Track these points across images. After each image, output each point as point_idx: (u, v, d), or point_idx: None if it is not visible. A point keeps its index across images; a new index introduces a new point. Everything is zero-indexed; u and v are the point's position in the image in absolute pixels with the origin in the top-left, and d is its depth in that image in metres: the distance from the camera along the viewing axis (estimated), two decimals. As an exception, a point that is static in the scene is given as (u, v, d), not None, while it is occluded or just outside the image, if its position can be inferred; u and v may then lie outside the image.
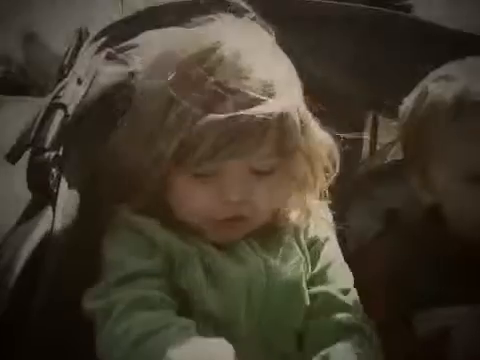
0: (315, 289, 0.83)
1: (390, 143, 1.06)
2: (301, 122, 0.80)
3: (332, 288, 0.82)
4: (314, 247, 0.86)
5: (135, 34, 1.00)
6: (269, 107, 0.75)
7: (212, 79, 0.75)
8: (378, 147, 1.16)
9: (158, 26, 1.00)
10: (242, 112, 0.74)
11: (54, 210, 0.82)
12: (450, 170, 0.87)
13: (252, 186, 0.79)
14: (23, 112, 0.95)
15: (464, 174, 0.85)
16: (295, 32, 1.03)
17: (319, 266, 0.84)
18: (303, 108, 0.82)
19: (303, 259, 0.84)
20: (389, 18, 1.14)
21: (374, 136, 1.16)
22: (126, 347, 0.69)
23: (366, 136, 1.14)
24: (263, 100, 0.75)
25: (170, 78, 0.77)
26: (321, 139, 0.84)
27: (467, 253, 0.82)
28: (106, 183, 0.82)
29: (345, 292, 0.83)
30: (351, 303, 0.82)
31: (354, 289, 0.84)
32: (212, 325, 0.77)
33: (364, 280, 0.82)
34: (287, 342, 0.81)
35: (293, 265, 0.82)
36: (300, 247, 0.85)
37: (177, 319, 0.73)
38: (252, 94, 0.75)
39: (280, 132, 0.77)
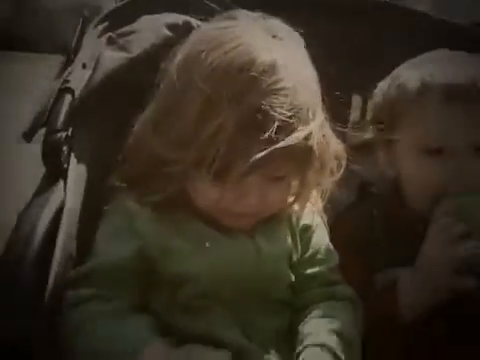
0: (310, 270, 0.90)
1: (366, 122, 1.16)
2: (323, 136, 0.84)
3: (324, 268, 0.90)
4: (307, 234, 0.92)
5: (133, 19, 1.05)
6: (298, 134, 0.78)
7: (248, 99, 0.76)
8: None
9: (156, 12, 1.06)
10: (273, 147, 0.76)
11: (66, 183, 0.91)
12: (410, 144, 0.97)
13: (266, 190, 0.83)
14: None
15: (420, 148, 0.96)
16: (283, 17, 1.09)
17: (311, 250, 0.91)
18: (322, 119, 0.86)
19: (292, 243, 0.89)
20: (377, 4, 1.19)
21: (363, 116, 1.23)
22: (67, 339, 0.77)
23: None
24: (293, 126, 0.78)
25: (208, 84, 0.78)
26: (334, 147, 0.89)
27: (421, 227, 0.94)
28: (122, 167, 0.87)
29: (334, 270, 0.91)
30: (340, 278, 0.91)
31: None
32: (196, 291, 0.82)
33: (336, 246, 0.93)
34: (270, 309, 0.86)
35: (282, 247, 0.88)
36: (291, 232, 0.91)
37: (104, 308, 0.78)
38: (285, 119, 0.77)
39: (303, 151, 0.81)
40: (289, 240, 0.90)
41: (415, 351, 0.89)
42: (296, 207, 0.92)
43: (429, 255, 0.90)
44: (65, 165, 0.93)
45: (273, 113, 0.77)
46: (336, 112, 1.08)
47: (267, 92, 0.78)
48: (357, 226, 1.00)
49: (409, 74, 0.98)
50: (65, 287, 0.81)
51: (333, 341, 0.82)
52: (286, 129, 0.78)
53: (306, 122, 0.81)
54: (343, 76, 1.14)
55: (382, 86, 1.03)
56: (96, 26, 1.06)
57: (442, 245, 0.89)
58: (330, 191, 0.94)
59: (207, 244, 0.83)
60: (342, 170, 0.91)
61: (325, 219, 0.97)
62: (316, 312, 0.87)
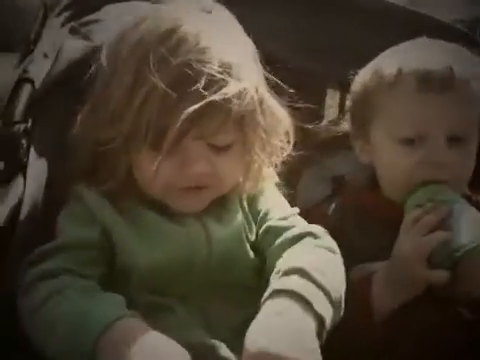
0: (260, 231, 0.87)
1: (340, 114, 1.14)
2: (259, 100, 0.84)
3: (270, 222, 0.88)
4: (256, 204, 0.90)
5: (97, 8, 1.03)
6: (230, 89, 0.78)
7: (175, 60, 0.77)
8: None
9: (118, 1, 1.04)
10: (205, 101, 0.76)
11: (25, 178, 0.88)
12: (384, 132, 0.96)
13: (212, 160, 0.82)
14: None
15: (394, 136, 0.95)
16: (255, 10, 1.06)
17: (261, 214, 0.89)
18: (262, 86, 0.86)
19: (243, 218, 0.88)
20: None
21: (342, 108, 1.22)
22: (29, 316, 0.74)
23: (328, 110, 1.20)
24: (224, 81, 0.78)
25: (135, 56, 0.80)
26: (279, 116, 0.88)
27: (395, 217, 0.92)
28: (73, 159, 0.86)
29: (284, 218, 0.88)
30: (293, 223, 0.87)
31: (297, 215, 0.90)
32: (149, 284, 0.80)
33: None
34: (236, 290, 0.84)
35: (233, 226, 0.85)
36: (241, 206, 0.89)
37: (73, 282, 0.76)
38: (213, 75, 0.77)
39: (240, 110, 0.80)
40: (241, 219, 0.87)
41: (387, 345, 0.87)
42: (248, 186, 0.90)
43: (401, 248, 0.89)
44: (24, 159, 0.89)
45: (202, 68, 0.77)
46: (309, 106, 1.07)
47: (194, 50, 0.79)
48: (330, 219, 0.98)
49: (386, 61, 0.98)
50: (28, 265, 0.79)
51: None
52: (217, 85, 0.78)
53: (238, 79, 0.80)
54: (318, 70, 1.14)
55: (360, 75, 1.02)
56: (58, 15, 1.03)
57: (413, 237, 0.87)
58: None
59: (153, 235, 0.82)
60: (291, 145, 0.90)
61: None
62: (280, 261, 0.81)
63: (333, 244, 0.85)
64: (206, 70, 0.77)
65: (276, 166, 0.93)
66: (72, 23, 1.01)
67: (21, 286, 0.77)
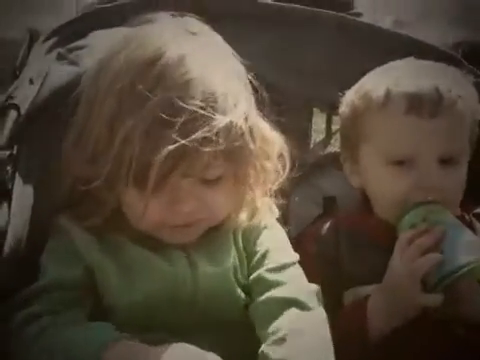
0: (251, 277, 0.84)
1: (327, 136, 1.14)
2: (250, 128, 0.80)
3: (261, 270, 0.84)
4: (251, 240, 0.87)
5: (84, 35, 1.03)
6: (214, 124, 0.75)
7: (155, 98, 0.74)
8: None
9: (106, 27, 1.03)
10: (188, 140, 0.73)
11: (9, 206, 0.86)
12: (374, 155, 0.95)
13: (203, 195, 0.80)
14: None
15: (385, 158, 0.94)
16: (249, 32, 1.08)
17: (257, 256, 0.86)
18: (252, 111, 0.83)
19: (236, 258, 0.84)
20: (335, 20, 1.17)
21: (329, 129, 1.22)
22: (22, 356, 0.73)
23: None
24: (208, 117, 0.75)
25: (113, 91, 0.77)
26: (271, 141, 0.85)
27: (389, 238, 0.91)
28: (57, 191, 0.83)
29: (276, 270, 0.84)
30: (282, 278, 0.83)
31: (293, 265, 0.86)
32: (134, 322, 0.77)
33: (300, 260, 0.88)
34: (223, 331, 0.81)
35: (223, 266, 0.83)
36: (235, 245, 0.86)
37: (61, 317, 0.75)
38: (197, 111, 0.74)
39: (228, 144, 0.77)
40: (233, 258, 0.84)
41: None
42: (241, 218, 0.86)
43: (395, 270, 0.88)
44: (9, 186, 0.87)
45: (184, 105, 0.74)
46: (297, 127, 1.07)
47: (175, 85, 0.75)
48: (323, 242, 0.97)
49: (374, 82, 0.97)
50: (14, 309, 0.77)
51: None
52: (201, 120, 0.75)
53: (224, 111, 0.77)
54: (304, 91, 1.14)
55: (348, 96, 1.01)
56: (44, 42, 1.03)
57: (407, 259, 0.86)
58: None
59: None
60: (287, 169, 0.88)
61: (288, 234, 0.93)
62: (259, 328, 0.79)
63: (318, 312, 0.81)
64: (188, 107, 0.74)
65: (270, 191, 0.89)
66: (59, 49, 1.01)
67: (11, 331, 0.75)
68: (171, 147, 0.72)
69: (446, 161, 0.93)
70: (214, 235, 0.85)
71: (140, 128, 0.74)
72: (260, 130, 0.84)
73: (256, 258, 0.86)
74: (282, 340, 0.76)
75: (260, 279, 0.84)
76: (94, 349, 0.69)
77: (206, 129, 0.74)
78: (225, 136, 0.76)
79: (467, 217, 0.97)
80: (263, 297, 0.82)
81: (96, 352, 0.68)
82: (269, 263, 0.85)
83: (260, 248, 0.86)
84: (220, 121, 0.75)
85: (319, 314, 0.81)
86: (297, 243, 0.95)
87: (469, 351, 0.86)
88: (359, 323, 0.86)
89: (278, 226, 0.92)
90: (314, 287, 0.84)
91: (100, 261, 0.80)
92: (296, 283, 0.84)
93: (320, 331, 0.79)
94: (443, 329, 0.87)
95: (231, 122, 0.77)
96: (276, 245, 0.88)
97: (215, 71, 0.79)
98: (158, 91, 0.75)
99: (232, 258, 0.84)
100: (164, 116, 0.73)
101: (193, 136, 0.73)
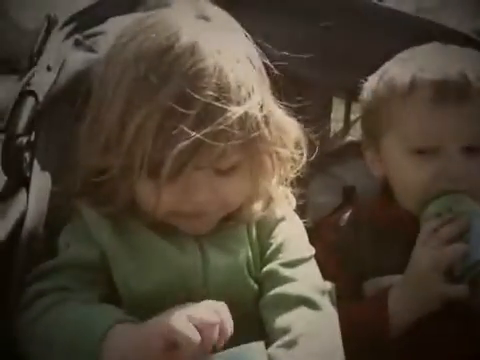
0: (263, 270, 0.82)
1: (352, 122, 1.12)
2: (264, 116, 0.78)
3: (275, 264, 0.82)
4: (266, 231, 0.85)
5: (102, 21, 1.02)
6: (229, 116, 0.73)
7: (168, 88, 0.72)
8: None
9: (123, 12, 1.01)
10: (202, 133, 0.71)
11: (28, 192, 0.85)
12: (398, 143, 0.93)
13: (217, 185, 0.78)
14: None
15: (409, 147, 0.92)
16: (267, 19, 1.06)
17: (271, 248, 0.84)
18: (267, 99, 0.80)
19: (249, 249, 0.82)
20: (355, 4, 1.15)
21: (347, 117, 1.20)
22: (26, 332, 0.73)
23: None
24: (223, 108, 0.73)
25: (126, 81, 0.75)
26: (287, 128, 0.83)
27: (411, 228, 0.89)
28: (74, 177, 0.83)
29: (289, 265, 0.82)
30: (295, 275, 0.81)
31: (307, 261, 0.83)
32: (145, 308, 0.74)
33: (319, 250, 0.87)
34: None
35: (235, 257, 0.81)
36: (249, 235, 0.84)
37: (72, 295, 0.74)
38: (211, 103, 0.72)
39: (242, 131, 0.75)
40: (246, 249, 0.82)
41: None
42: (256, 208, 0.84)
43: (418, 261, 0.86)
44: (27, 173, 0.87)
45: (197, 96, 0.72)
46: (316, 115, 1.05)
47: (189, 75, 0.73)
48: (343, 232, 0.95)
49: (399, 69, 0.94)
50: (28, 283, 0.77)
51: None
52: (214, 112, 0.73)
53: (238, 102, 0.75)
54: (323, 79, 1.12)
55: (371, 82, 0.98)
56: (61, 28, 1.02)
57: (431, 250, 0.84)
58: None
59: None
60: (304, 157, 0.85)
61: (307, 224, 0.91)
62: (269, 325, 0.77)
63: (330, 314, 0.79)
64: (202, 98, 0.72)
65: (287, 180, 0.87)
66: (76, 35, 1.00)
67: (20, 306, 0.76)
68: (185, 143, 0.71)
69: (471, 150, 0.90)
70: (228, 225, 0.83)
71: (152, 120, 0.72)
72: (275, 117, 0.82)
73: (270, 250, 0.84)
74: (294, 342, 0.74)
75: (273, 273, 0.82)
76: (96, 334, 0.68)
77: (220, 121, 0.73)
78: (240, 127, 0.74)
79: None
80: (274, 292, 0.80)
81: (97, 339, 0.67)
82: (283, 257, 0.83)
83: (275, 240, 0.84)
84: (234, 112, 0.74)
85: (331, 316, 0.79)
86: (316, 233, 0.93)
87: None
88: (380, 315, 0.85)
89: (295, 218, 0.89)
90: (328, 285, 0.82)
91: (113, 246, 0.79)
92: (309, 280, 0.82)
93: (331, 335, 0.77)
94: (466, 322, 0.86)
95: (246, 113, 0.75)
96: (292, 238, 0.86)
97: (229, 58, 0.77)
98: (171, 81, 0.73)
99: (245, 249, 0.82)
100: (177, 108, 0.72)
101: (207, 129, 0.72)
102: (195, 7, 0.81)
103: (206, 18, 0.80)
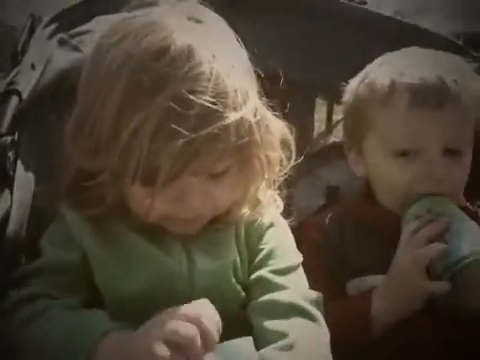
0: (253, 275, 0.82)
1: (334, 123, 1.13)
2: (257, 121, 0.77)
3: (265, 271, 0.81)
4: (255, 237, 0.85)
5: (87, 20, 1.01)
6: (226, 121, 0.72)
7: (165, 92, 0.71)
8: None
9: (108, 12, 1.00)
10: (199, 134, 0.70)
11: (11, 193, 0.85)
12: (379, 145, 0.95)
13: (209, 189, 0.78)
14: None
15: (389, 149, 0.93)
16: (253, 21, 1.06)
17: (261, 254, 0.83)
18: (258, 104, 0.80)
19: (237, 254, 0.82)
20: (337, 6, 1.17)
21: (329, 118, 1.21)
22: (12, 339, 0.71)
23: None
24: (219, 113, 0.72)
25: (120, 83, 0.72)
26: (275, 130, 0.83)
27: (393, 227, 0.91)
28: (58, 178, 0.81)
29: (280, 272, 0.81)
30: (286, 282, 0.81)
31: (296, 269, 0.83)
32: (129, 313, 0.74)
33: (303, 251, 0.87)
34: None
35: (222, 261, 0.80)
36: (237, 240, 0.84)
37: (55, 302, 0.73)
38: (208, 107, 0.71)
39: (237, 137, 0.75)
40: (233, 254, 0.82)
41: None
42: (244, 212, 0.84)
43: (400, 260, 0.87)
44: (11, 173, 0.86)
45: (194, 100, 0.71)
46: (300, 116, 1.06)
47: (185, 79, 0.72)
48: (327, 231, 0.96)
49: (379, 72, 0.96)
50: (10, 285, 0.76)
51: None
52: (212, 117, 0.72)
53: (235, 107, 0.74)
54: (307, 80, 1.13)
55: (352, 85, 1.00)
56: (45, 27, 1.01)
57: (412, 250, 0.86)
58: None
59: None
60: (293, 159, 0.85)
61: (291, 224, 0.91)
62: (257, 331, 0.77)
63: (323, 324, 0.79)
64: (199, 101, 0.71)
65: (275, 183, 0.87)
66: (61, 34, 0.99)
67: (2, 309, 0.74)
68: (182, 141, 0.69)
69: (451, 152, 0.92)
70: (215, 229, 0.83)
71: (149, 123, 0.71)
72: (266, 121, 0.81)
73: (260, 257, 0.83)
74: (290, 347, 0.74)
75: (262, 279, 0.81)
76: (89, 339, 0.67)
77: (217, 125, 0.72)
78: (236, 132, 0.74)
79: (472, 208, 0.97)
80: (266, 298, 0.80)
81: (91, 342, 0.67)
82: (274, 264, 0.82)
83: (264, 247, 0.84)
84: (231, 118, 0.73)
85: (324, 327, 0.79)
86: (300, 233, 0.94)
87: (474, 345, 0.86)
88: (363, 315, 0.86)
89: (284, 224, 0.89)
90: (316, 295, 0.82)
91: (96, 249, 0.78)
92: (300, 289, 0.82)
93: (325, 345, 0.77)
94: (447, 322, 0.87)
95: (242, 119, 0.74)
96: (282, 245, 0.85)
97: (224, 62, 0.76)
98: (167, 84, 0.71)
99: (233, 254, 0.82)
100: (174, 111, 0.70)
101: (204, 131, 0.71)
102: (184, 8, 0.80)
103: (198, 20, 0.79)
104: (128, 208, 0.80)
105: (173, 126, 0.70)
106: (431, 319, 0.86)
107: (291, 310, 0.78)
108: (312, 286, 0.83)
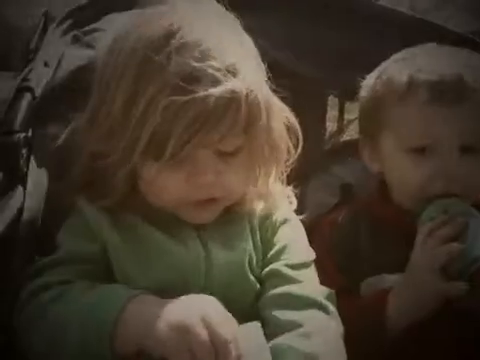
0: (266, 269, 0.83)
1: (340, 121, 1.12)
2: (265, 101, 0.80)
3: (278, 264, 0.83)
4: (269, 232, 0.86)
5: (99, 18, 1.02)
6: (235, 85, 0.75)
7: (175, 64, 0.74)
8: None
9: (120, 10, 1.01)
10: (209, 92, 0.73)
11: (25, 189, 0.85)
12: (395, 142, 0.94)
13: (220, 167, 0.79)
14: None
15: (405, 146, 0.92)
16: (265, 17, 1.06)
17: (274, 249, 0.84)
18: (266, 88, 0.83)
19: (251, 247, 0.83)
20: (352, 3, 1.15)
21: (341, 116, 1.20)
22: (30, 327, 0.73)
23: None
24: (228, 81, 0.75)
25: (132, 65, 0.77)
26: (283, 117, 0.85)
27: (408, 225, 0.90)
28: (72, 171, 0.83)
29: (293, 267, 0.82)
30: (300, 277, 0.82)
31: (309, 266, 0.84)
32: None
33: (316, 248, 0.87)
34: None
35: (237, 254, 0.81)
36: (252, 234, 0.85)
37: (73, 284, 0.75)
38: (217, 75, 0.75)
39: (247, 110, 0.77)
40: (248, 247, 0.83)
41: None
42: (257, 203, 0.85)
43: (416, 262, 0.86)
44: (24, 169, 0.86)
45: (205, 70, 0.74)
46: (312, 114, 1.05)
47: (195, 53, 0.75)
48: (342, 229, 0.95)
49: (396, 68, 0.95)
50: (28, 278, 0.77)
51: None
52: (222, 85, 0.74)
53: (243, 80, 0.77)
54: (319, 77, 1.12)
55: (369, 81, 0.99)
56: (58, 25, 1.01)
57: (428, 250, 0.85)
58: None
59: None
60: (300, 147, 0.86)
61: (306, 222, 0.91)
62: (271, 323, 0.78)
63: (337, 318, 0.80)
64: (210, 71, 0.74)
65: (283, 175, 0.88)
66: (74, 32, 1.00)
67: (19, 302, 0.75)
68: (193, 110, 0.72)
69: (467, 149, 0.91)
70: (229, 220, 0.84)
71: (160, 98, 0.74)
72: (272, 106, 0.83)
73: (273, 251, 0.84)
74: (308, 336, 0.75)
75: (276, 273, 0.82)
76: (111, 309, 0.69)
77: (227, 88, 0.74)
78: (245, 101, 0.76)
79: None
80: (280, 290, 0.80)
81: (114, 312, 0.69)
82: (287, 259, 0.83)
83: (278, 242, 0.85)
84: (238, 84, 0.76)
85: (338, 320, 0.80)
86: (313, 231, 0.93)
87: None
88: (379, 315, 0.85)
89: (298, 221, 0.90)
90: (328, 291, 0.83)
91: (113, 241, 0.79)
92: (313, 284, 0.83)
93: (339, 338, 0.79)
94: (465, 322, 0.85)
95: (250, 89, 0.77)
96: (295, 242, 0.86)
97: (231, 44, 0.79)
98: (176, 62, 0.75)
99: (247, 246, 0.83)
100: (184, 84, 0.73)
101: (213, 98, 0.73)
102: (195, 3, 0.83)
103: (206, 13, 0.82)
104: (143, 199, 0.81)
105: (182, 98, 0.73)
106: (448, 320, 0.85)
107: (305, 303, 0.79)
108: (324, 283, 0.83)
